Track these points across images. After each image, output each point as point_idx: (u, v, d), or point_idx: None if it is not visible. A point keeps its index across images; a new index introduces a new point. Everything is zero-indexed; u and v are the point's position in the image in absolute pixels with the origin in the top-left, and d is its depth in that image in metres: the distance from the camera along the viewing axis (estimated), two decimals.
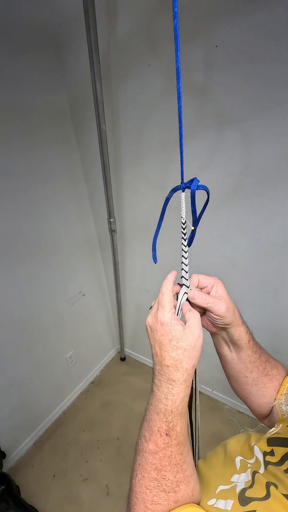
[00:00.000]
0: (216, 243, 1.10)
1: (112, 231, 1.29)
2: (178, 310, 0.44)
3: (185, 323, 0.41)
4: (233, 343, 0.48)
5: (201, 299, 0.43)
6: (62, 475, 1.40)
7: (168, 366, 0.39)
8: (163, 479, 0.37)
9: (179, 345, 0.38)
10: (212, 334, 0.51)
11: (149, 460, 0.38)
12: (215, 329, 0.48)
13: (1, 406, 1.29)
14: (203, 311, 0.47)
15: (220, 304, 0.43)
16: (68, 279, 1.44)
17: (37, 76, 1.02)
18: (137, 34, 0.87)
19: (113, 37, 0.92)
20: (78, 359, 1.68)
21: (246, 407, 1.52)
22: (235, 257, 1.10)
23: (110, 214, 1.23)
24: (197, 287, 0.47)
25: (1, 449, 1.30)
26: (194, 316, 0.41)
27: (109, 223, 1.26)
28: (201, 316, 0.47)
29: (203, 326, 0.48)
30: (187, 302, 0.44)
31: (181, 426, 0.39)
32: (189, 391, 0.40)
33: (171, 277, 0.45)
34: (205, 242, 1.12)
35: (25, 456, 1.48)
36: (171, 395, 0.38)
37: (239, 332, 0.47)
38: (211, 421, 1.52)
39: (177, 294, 0.46)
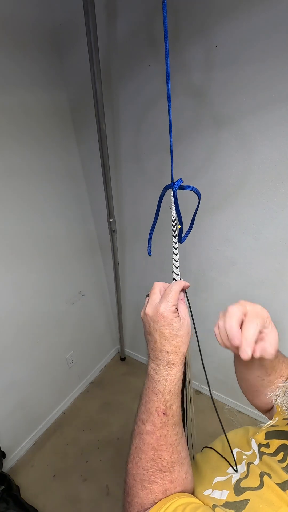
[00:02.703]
0: (216, 243, 1.10)
1: (112, 231, 1.29)
2: None
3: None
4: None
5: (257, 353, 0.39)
6: (62, 475, 1.40)
7: (168, 352, 0.42)
8: (160, 459, 0.40)
9: (178, 333, 0.42)
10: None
11: (146, 440, 0.40)
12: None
13: (1, 406, 1.29)
14: None
15: (269, 349, 0.40)
16: (68, 279, 1.44)
17: (37, 76, 1.02)
18: (137, 34, 0.87)
19: (113, 37, 0.92)
20: (78, 359, 1.68)
21: (246, 407, 1.51)
22: (235, 257, 1.10)
23: (110, 214, 1.23)
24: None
25: (1, 449, 1.30)
26: (183, 306, 0.46)
27: (109, 223, 1.26)
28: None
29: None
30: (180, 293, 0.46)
31: (176, 405, 0.42)
32: (183, 371, 0.44)
33: (184, 283, 0.48)
34: (205, 242, 1.12)
35: (25, 456, 1.48)
36: (170, 376, 0.42)
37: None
38: (211, 421, 1.52)
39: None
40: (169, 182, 0.47)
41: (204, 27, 0.76)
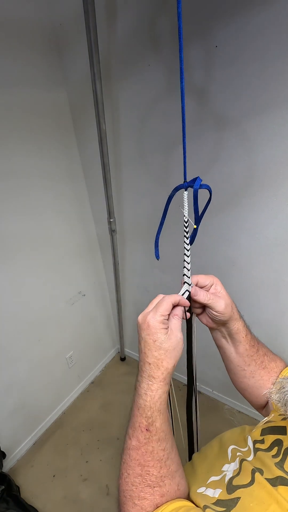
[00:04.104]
0: (216, 243, 1.10)
1: (112, 231, 1.29)
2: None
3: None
4: (232, 337, 0.50)
5: (203, 297, 0.46)
6: (62, 475, 1.40)
7: (150, 363, 0.41)
8: (147, 475, 0.39)
9: (162, 346, 0.41)
10: (212, 330, 0.53)
11: (132, 456, 0.40)
12: (215, 325, 0.51)
13: (1, 406, 1.29)
14: (202, 309, 0.50)
15: (219, 301, 0.46)
16: (68, 279, 1.44)
17: (37, 76, 1.02)
18: (137, 34, 0.87)
19: (113, 37, 0.92)
20: (78, 359, 1.68)
21: (246, 407, 1.52)
22: (235, 257, 1.10)
23: (110, 214, 1.23)
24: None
25: (1, 449, 1.30)
26: (176, 321, 0.44)
27: (109, 223, 1.26)
28: (201, 313, 0.51)
29: (203, 323, 0.51)
30: (179, 308, 0.46)
31: (160, 422, 0.40)
32: (167, 389, 0.42)
33: (180, 297, 0.46)
34: (205, 242, 1.12)
35: (25, 456, 1.48)
36: (150, 391, 0.41)
37: (237, 327, 0.49)
38: (211, 421, 1.52)
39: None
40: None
41: (204, 27, 0.76)
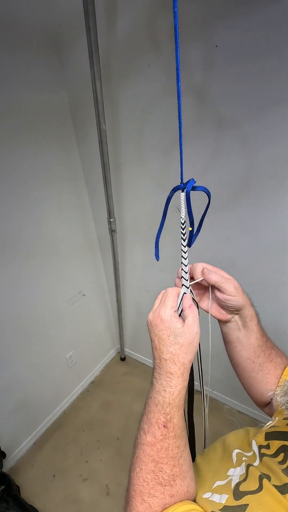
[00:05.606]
0: (216, 243, 1.10)
1: (112, 231, 1.29)
2: (179, 307, 0.45)
3: (184, 320, 0.43)
4: (245, 327, 0.50)
5: (214, 276, 0.46)
6: (62, 475, 1.40)
7: (166, 359, 0.41)
8: (160, 472, 0.39)
9: (177, 340, 0.41)
10: (224, 324, 0.52)
11: (147, 452, 0.39)
12: (229, 315, 0.50)
13: (1, 406, 1.29)
14: (205, 295, 0.49)
15: (230, 282, 0.46)
16: (68, 279, 1.44)
17: (37, 76, 1.02)
18: (137, 34, 0.87)
19: (113, 37, 0.92)
20: (78, 359, 1.68)
21: (246, 407, 1.52)
22: (235, 257, 1.10)
23: (110, 214, 1.23)
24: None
25: (1, 449, 1.30)
26: (192, 314, 0.43)
27: (109, 223, 1.26)
28: (212, 305, 0.50)
29: (214, 316, 0.50)
30: (188, 298, 0.45)
31: (178, 418, 0.40)
32: (186, 384, 0.42)
33: (180, 289, 0.47)
34: (205, 242, 1.11)
35: (25, 456, 1.48)
36: (169, 387, 0.40)
37: (251, 313, 0.49)
38: (211, 421, 1.52)
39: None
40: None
41: (204, 27, 0.76)
